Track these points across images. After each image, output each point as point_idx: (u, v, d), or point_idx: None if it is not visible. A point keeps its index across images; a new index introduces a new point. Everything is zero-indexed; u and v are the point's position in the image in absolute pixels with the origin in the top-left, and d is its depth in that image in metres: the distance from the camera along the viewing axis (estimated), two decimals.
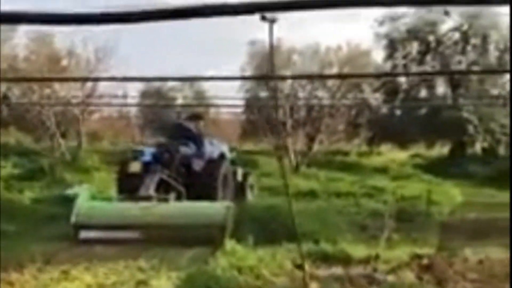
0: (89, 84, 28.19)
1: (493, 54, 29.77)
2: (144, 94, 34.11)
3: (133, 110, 34.17)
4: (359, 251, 9.97)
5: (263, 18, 3.68)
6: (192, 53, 44.91)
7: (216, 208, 12.19)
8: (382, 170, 25.33)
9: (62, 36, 27.14)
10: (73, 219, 11.94)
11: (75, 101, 27.09)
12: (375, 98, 32.50)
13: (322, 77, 28.93)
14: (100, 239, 11.40)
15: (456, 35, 30.24)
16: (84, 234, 11.75)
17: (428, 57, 30.66)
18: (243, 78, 29.85)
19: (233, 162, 16.10)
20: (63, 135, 27.77)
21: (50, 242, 11.43)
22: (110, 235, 11.58)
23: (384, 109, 32.49)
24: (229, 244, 10.48)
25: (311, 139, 28.73)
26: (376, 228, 12.44)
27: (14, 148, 28.92)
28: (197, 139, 14.75)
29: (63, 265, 9.58)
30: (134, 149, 15.72)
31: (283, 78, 26.38)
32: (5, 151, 26.19)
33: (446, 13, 29.03)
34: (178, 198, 13.26)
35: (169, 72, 36.82)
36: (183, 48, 44.47)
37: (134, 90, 33.13)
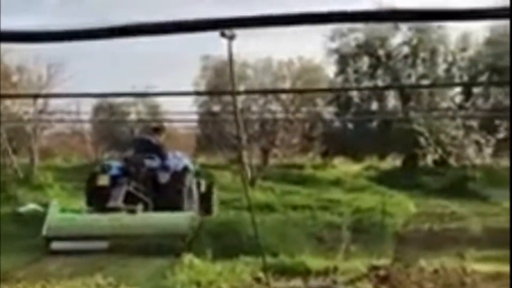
0: (41, 100, 27.84)
1: (441, 67, 30.32)
2: (97, 110, 33.80)
3: (86, 126, 33.83)
4: (317, 263, 10.06)
5: (223, 35, 3.74)
6: (144, 67, 44.61)
7: (181, 219, 12.78)
8: (337, 183, 25.52)
9: (12, 52, 26.77)
10: (44, 231, 12.39)
11: (26, 117, 26.70)
12: (328, 112, 32.81)
13: (278, 92, 29.09)
14: (71, 250, 11.90)
15: (406, 49, 30.72)
16: (55, 245, 12.19)
17: (379, 71, 31.07)
18: (198, 93, 29.86)
19: (197, 174, 16.48)
20: (15, 152, 27.37)
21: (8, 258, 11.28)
22: (81, 245, 12.10)
23: (337, 123, 32.80)
24: (188, 258, 10.47)
25: (266, 152, 28.87)
26: (333, 240, 12.56)
27: None
28: (160, 152, 15.06)
29: (19, 283, 9.46)
30: (102, 163, 16.07)
31: (242, 93, 26.47)
32: None
33: (396, 28, 29.53)
34: (145, 209, 13.76)
35: (121, 87, 36.63)
36: (135, 63, 44.18)
37: (87, 105, 32.77)
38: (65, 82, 27.48)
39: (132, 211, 13.18)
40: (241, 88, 27.87)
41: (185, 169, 15.34)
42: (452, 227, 15.64)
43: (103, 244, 12.08)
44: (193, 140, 33.38)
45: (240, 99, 27.96)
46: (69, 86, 26.93)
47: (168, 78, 36.67)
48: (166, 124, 29.70)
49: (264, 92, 29.94)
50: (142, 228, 12.50)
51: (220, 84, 28.01)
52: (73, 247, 12.11)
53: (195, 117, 29.71)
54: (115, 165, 14.76)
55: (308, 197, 19.75)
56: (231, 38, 3.98)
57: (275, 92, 28.95)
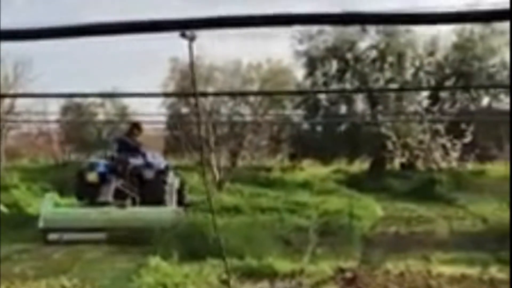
0: (7, 100, 27.55)
1: (409, 72, 30.55)
2: (64, 110, 33.55)
3: (54, 127, 33.54)
4: (284, 265, 10.05)
5: (183, 35, 3.73)
6: (112, 68, 44.43)
7: (167, 212, 14.37)
8: (305, 185, 25.56)
9: None
10: (40, 223, 13.74)
11: None
12: (296, 115, 32.90)
13: (246, 94, 29.10)
14: (67, 241, 13.19)
15: (374, 53, 30.90)
16: (51, 237, 13.45)
17: (348, 75, 31.23)
18: (165, 95, 29.76)
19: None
20: None
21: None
22: (75, 236, 13.36)
23: (306, 126, 32.92)
24: (154, 260, 10.41)
25: (234, 155, 28.85)
26: (300, 242, 12.56)
27: None
28: (139, 151, 16.10)
29: None
30: (90, 161, 17.05)
31: (206, 94, 26.41)
32: None
33: (364, 31, 29.72)
34: (133, 204, 15.04)
35: (89, 88, 36.41)
36: (104, 64, 43.98)
37: (54, 106, 32.50)
38: (32, 82, 27.27)
39: (122, 206, 14.45)
40: (209, 89, 27.84)
41: (167, 167, 16.58)
42: (418, 230, 15.76)
43: (96, 236, 13.32)
44: (161, 141, 33.27)
45: (209, 101, 27.92)
46: (36, 86, 26.72)
47: (137, 80, 36.51)
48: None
49: (227, 94, 29.94)
50: (132, 221, 13.67)
51: (189, 86, 27.94)
52: (69, 238, 13.32)
53: (163, 118, 29.67)
54: (102, 163, 15.76)
55: (276, 199, 19.75)
56: (192, 39, 3.98)
57: (239, 94, 28.93)
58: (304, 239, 12.67)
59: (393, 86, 29.32)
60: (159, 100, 30.39)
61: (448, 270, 10.05)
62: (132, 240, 12.77)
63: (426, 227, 16.32)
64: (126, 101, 34.26)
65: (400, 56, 29.96)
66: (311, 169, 33.04)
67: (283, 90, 30.26)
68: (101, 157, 16.85)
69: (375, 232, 15.60)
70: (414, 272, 9.96)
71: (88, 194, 14.95)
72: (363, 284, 9.25)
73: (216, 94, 30.17)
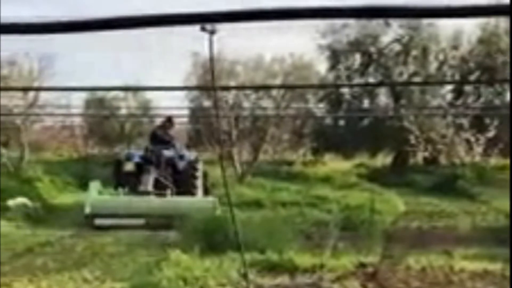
0: (31, 93, 27.72)
1: (433, 65, 30.34)
2: (88, 104, 33.73)
3: (77, 120, 33.70)
4: (304, 260, 10.03)
5: (203, 29, 3.70)
6: (135, 62, 44.55)
7: (205, 202, 15.39)
8: (326, 180, 25.50)
9: (2, 45, 26.61)
10: (87, 210, 14.75)
11: (17, 110, 26.59)
12: (319, 108, 32.81)
13: (266, 87, 29.01)
14: (111, 226, 14.23)
15: (397, 47, 30.72)
16: (98, 222, 14.52)
17: (371, 69, 31.10)
18: (186, 88, 29.81)
19: None
20: (5, 145, 27.27)
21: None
22: (119, 222, 14.44)
23: (328, 119, 32.82)
24: (175, 254, 10.44)
25: (256, 149, 28.81)
26: (321, 237, 12.55)
27: None
28: (173, 144, 17.22)
29: (5, 277, 9.43)
30: (127, 152, 18.50)
31: (226, 88, 26.42)
32: None
33: (387, 25, 29.53)
34: (171, 193, 16.12)
35: (112, 82, 36.57)
36: (126, 57, 44.10)
37: (77, 99, 32.65)
38: (56, 75, 27.39)
39: (162, 195, 15.67)
40: (231, 83, 27.84)
41: (196, 158, 17.70)
42: (440, 225, 15.68)
43: (139, 221, 14.51)
44: (184, 135, 33.33)
45: (231, 95, 27.94)
46: (60, 80, 26.86)
47: (159, 74, 36.55)
48: (158, 119, 29.98)
49: (247, 88, 29.91)
50: (172, 209, 14.64)
51: (210, 80, 27.95)
52: (114, 223, 14.39)
53: (186, 112, 29.72)
54: (137, 154, 17.04)
55: (297, 193, 19.74)
56: (212, 32, 3.95)
57: (259, 88, 28.86)
58: (325, 234, 12.66)
59: (417, 80, 29.18)
60: (182, 94, 30.45)
61: (470, 265, 9.97)
62: (168, 226, 13.74)
63: (449, 222, 16.23)
64: (148, 94, 34.34)
65: (424, 50, 29.77)
66: (333, 163, 32.95)
67: (305, 84, 30.16)
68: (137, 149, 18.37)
69: (397, 227, 15.54)
70: (436, 267, 9.90)
71: (125, 182, 16.11)
72: (384, 279, 9.21)
73: (235, 88, 30.12)
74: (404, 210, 18.65)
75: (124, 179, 16.28)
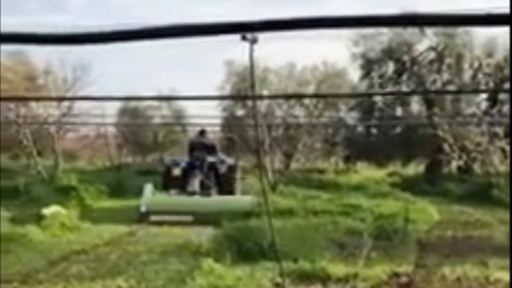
0: (66, 103, 28.04)
1: (467, 74, 30.08)
2: (121, 113, 34.01)
3: (111, 129, 33.99)
4: (337, 269, 9.97)
5: (244, 38, 3.69)
6: (168, 72, 44.87)
7: (245, 201, 17.46)
8: (359, 188, 25.34)
9: (38, 54, 27.00)
10: (143, 208, 16.90)
11: (51, 119, 26.91)
12: (351, 117, 32.69)
13: (302, 96, 29.05)
14: (165, 221, 16.09)
15: (431, 55, 30.51)
16: (153, 218, 16.50)
17: (404, 76, 30.91)
18: (223, 97, 29.90)
19: None
20: (40, 154, 27.60)
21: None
22: (171, 218, 16.34)
23: (360, 128, 32.67)
24: (207, 262, 10.45)
25: (288, 157, 28.80)
26: (354, 246, 12.46)
27: None
28: (214, 150, 19.30)
29: (40, 285, 9.51)
30: (174, 159, 20.39)
31: (264, 97, 26.45)
32: None
33: (422, 33, 29.34)
34: (215, 193, 18.32)
35: (146, 91, 36.82)
36: (160, 67, 44.43)
37: (111, 108, 32.95)
38: (90, 85, 27.68)
39: (207, 195, 17.92)
40: (264, 92, 27.89)
41: (236, 163, 20.08)
42: (475, 235, 15.47)
43: (187, 218, 16.38)
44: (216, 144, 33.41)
45: (264, 104, 27.98)
46: (93, 89, 27.14)
47: (192, 82, 36.78)
48: (189, 128, 30.35)
49: (285, 97, 29.94)
50: (218, 207, 16.64)
51: (244, 89, 28.06)
52: (168, 220, 16.20)
53: (219, 121, 29.81)
54: (184, 160, 19.22)
55: (329, 202, 19.62)
56: (253, 42, 3.94)
57: (296, 96, 28.89)
58: (358, 243, 12.57)
59: (451, 88, 28.95)
60: (215, 102, 30.56)
61: (506, 276, 9.82)
62: (213, 221, 15.07)
63: (483, 231, 16.01)
64: (182, 103, 34.52)
65: (458, 58, 29.53)
66: (365, 171, 32.80)
67: (338, 92, 30.08)
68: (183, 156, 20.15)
69: (431, 236, 15.37)
70: (471, 277, 9.76)
71: (173, 185, 18.45)
72: None
73: (270, 97, 30.18)
74: (438, 219, 18.45)
75: (172, 183, 18.58)
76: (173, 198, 18.05)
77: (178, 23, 1.82)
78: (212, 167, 18.98)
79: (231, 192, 18.66)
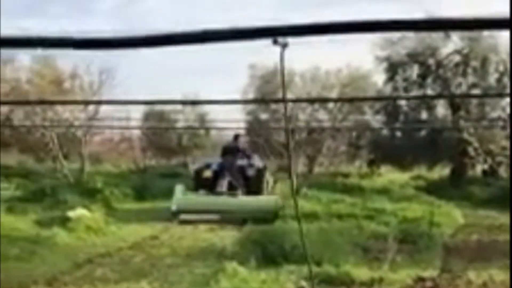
0: (92, 106, 28.26)
1: (493, 77, 29.85)
2: (146, 117, 34.18)
3: (136, 132, 34.20)
4: (362, 273, 9.97)
5: (275, 43, 3.71)
6: (193, 76, 45.01)
7: (270, 200, 18.58)
8: (383, 192, 25.21)
9: (65, 58, 27.24)
10: (174, 207, 17.71)
11: (77, 123, 27.12)
12: (376, 120, 32.55)
13: (329, 100, 29.00)
14: (194, 220, 17.19)
15: (457, 58, 30.31)
16: (183, 217, 17.51)
17: (429, 80, 30.74)
18: (253, 101, 29.94)
19: None
20: (66, 157, 27.82)
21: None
22: (200, 217, 17.44)
23: (385, 131, 32.52)
24: (231, 266, 10.48)
25: (312, 160, 28.76)
26: (378, 250, 12.44)
27: (16, 169, 28.96)
28: (246, 154, 20.34)
29: (65, 287, 9.61)
30: (206, 162, 21.05)
31: (293, 101, 26.48)
32: (7, 172, 26.23)
33: (447, 36, 29.18)
34: (241, 194, 19.08)
35: (170, 95, 36.94)
36: (184, 71, 44.61)
37: (136, 112, 33.11)
38: (116, 88, 27.86)
39: (234, 195, 18.77)
40: (288, 95, 27.91)
41: (265, 166, 21.02)
42: (501, 239, 15.35)
43: (215, 216, 17.43)
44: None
45: (288, 107, 28.01)
46: (119, 93, 27.30)
47: (216, 86, 36.84)
48: (213, 132, 30.54)
49: (316, 100, 29.86)
50: (243, 206, 17.92)
51: (268, 93, 28.10)
52: (196, 218, 17.32)
53: (243, 124, 29.84)
54: (215, 162, 20.15)
55: (353, 206, 19.58)
56: (284, 46, 3.96)
57: (326, 100, 28.85)
58: (383, 247, 12.54)
59: (476, 91, 28.73)
60: (238, 106, 30.59)
61: None
62: (239, 220, 16.78)
63: (508, 235, 15.89)
64: (205, 107, 34.62)
65: (484, 61, 29.32)
66: (389, 175, 32.65)
67: (364, 95, 29.98)
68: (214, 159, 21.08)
69: (456, 240, 15.29)
70: (497, 282, 9.71)
71: (204, 186, 19.18)
72: None
73: (302, 101, 30.16)
74: (463, 223, 18.34)
75: (203, 184, 19.40)
76: (202, 198, 18.79)
77: (208, 28, 1.81)
78: (241, 169, 19.88)
79: (258, 193, 19.32)
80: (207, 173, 19.88)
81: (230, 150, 20.37)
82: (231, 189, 19.24)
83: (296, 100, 27.40)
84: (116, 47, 1.91)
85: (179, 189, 18.94)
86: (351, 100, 29.17)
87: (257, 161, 20.99)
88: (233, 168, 19.77)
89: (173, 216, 17.68)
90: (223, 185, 19.19)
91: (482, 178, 28.58)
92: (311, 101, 30.12)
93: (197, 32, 1.83)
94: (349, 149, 30.38)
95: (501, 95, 30.09)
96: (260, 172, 20.35)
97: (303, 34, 1.82)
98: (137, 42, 1.90)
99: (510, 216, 12.39)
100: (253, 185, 19.69)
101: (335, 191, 24.19)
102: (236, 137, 20.72)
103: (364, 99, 30.14)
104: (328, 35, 1.81)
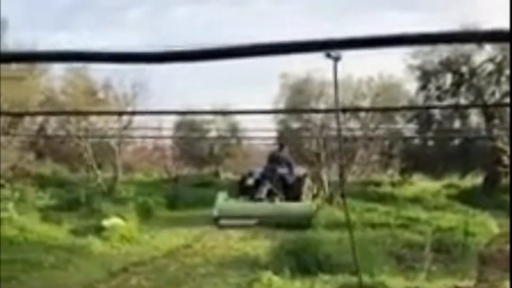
0: (125, 116, 28.47)
1: None
2: (178, 126, 34.37)
3: (168, 141, 34.35)
4: (397, 283, 9.93)
5: (328, 56, 3.76)
6: (224, 86, 45.13)
7: (305, 206, 19.76)
8: (416, 201, 25.08)
9: (97, 68, 27.48)
10: (215, 212, 18.30)
11: (111, 133, 27.35)
12: (408, 129, 32.34)
13: (375, 110, 28.86)
14: (233, 225, 18.17)
15: (490, 67, 30.06)
16: (223, 222, 18.13)
17: (462, 88, 30.51)
18: (304, 111, 29.91)
19: None
20: (99, 166, 28.06)
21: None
22: (239, 222, 18.16)
23: (417, 140, 32.31)
24: (266, 276, 10.49)
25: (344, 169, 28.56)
26: (413, 259, 12.37)
27: (51, 179, 29.23)
28: (287, 163, 20.94)
29: None
30: (249, 170, 21.99)
31: (348, 110, 26.41)
32: (42, 182, 26.51)
33: (480, 45, 28.94)
34: (280, 201, 19.72)
35: (202, 105, 37.08)
36: (216, 81, 44.76)
37: (168, 122, 33.26)
38: (149, 98, 28.06)
39: (272, 201, 19.38)
40: (320, 105, 27.90)
41: (305, 175, 21.77)
42: None
43: (254, 221, 17.96)
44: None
45: (319, 116, 27.96)
46: (152, 103, 27.47)
47: (249, 96, 36.97)
48: (245, 141, 30.62)
49: (368, 110, 29.68)
50: (280, 211, 18.75)
51: (299, 102, 28.09)
52: (235, 223, 18.16)
53: (274, 134, 29.83)
54: (258, 171, 21.01)
55: (386, 214, 19.50)
56: (337, 59, 4.01)
57: (375, 110, 28.68)
58: (417, 256, 12.47)
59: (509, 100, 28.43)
60: (269, 116, 30.58)
61: None
62: (276, 224, 18.03)
63: (509, 237, 15.69)
64: (237, 117, 34.68)
65: None
66: (421, 183, 32.43)
67: (396, 105, 29.81)
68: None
69: (491, 249, 15.13)
70: None
71: (247, 193, 19.95)
72: None
73: (357, 110, 29.94)
74: (497, 232, 18.16)
75: (246, 191, 20.16)
76: (241, 204, 19.47)
77: (257, 42, 1.80)
78: (281, 177, 20.54)
79: (296, 200, 20.05)
80: (250, 181, 20.68)
81: (274, 159, 21.16)
82: (271, 196, 19.88)
83: (349, 109, 27.30)
84: (153, 61, 1.89)
85: (221, 196, 19.70)
86: (396, 110, 29.03)
87: (298, 169, 21.61)
88: (274, 176, 20.44)
89: (214, 221, 18.37)
90: (263, 192, 19.85)
91: None
92: (365, 110, 29.96)
93: (248, 46, 1.81)
94: (381, 158, 30.20)
95: (500, 105, 29.72)
96: (300, 180, 21.04)
97: (355, 47, 1.82)
98: (184, 56, 1.88)
99: (510, 217, 12.25)
100: (292, 192, 20.31)
101: (367, 200, 24.13)
102: (281, 146, 21.68)
103: (402, 108, 29.97)
104: (381, 48, 1.81)
